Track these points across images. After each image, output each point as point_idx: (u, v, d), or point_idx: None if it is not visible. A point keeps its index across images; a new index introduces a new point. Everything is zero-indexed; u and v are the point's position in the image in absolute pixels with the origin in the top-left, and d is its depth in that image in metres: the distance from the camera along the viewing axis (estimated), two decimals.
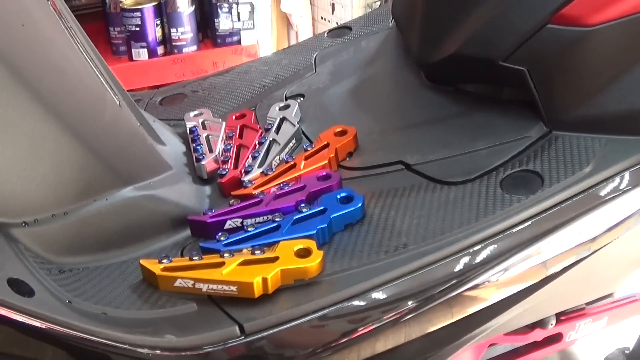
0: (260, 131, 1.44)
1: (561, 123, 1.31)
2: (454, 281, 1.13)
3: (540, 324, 1.48)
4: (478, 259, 1.15)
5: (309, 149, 1.36)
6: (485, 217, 1.18)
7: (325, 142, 1.36)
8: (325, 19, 3.52)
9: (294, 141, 1.41)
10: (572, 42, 1.28)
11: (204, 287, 1.08)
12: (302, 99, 1.56)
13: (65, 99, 1.14)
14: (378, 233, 1.18)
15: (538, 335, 1.51)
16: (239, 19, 3.26)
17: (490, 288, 1.17)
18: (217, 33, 3.30)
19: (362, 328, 1.09)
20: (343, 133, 1.38)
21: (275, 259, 1.09)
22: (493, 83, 1.45)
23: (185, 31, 3.23)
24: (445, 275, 1.13)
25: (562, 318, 1.51)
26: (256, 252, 1.11)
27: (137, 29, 3.18)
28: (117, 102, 1.23)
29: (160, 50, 3.25)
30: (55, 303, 1.04)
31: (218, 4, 3.23)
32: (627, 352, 1.87)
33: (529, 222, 1.18)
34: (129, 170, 1.23)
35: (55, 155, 1.14)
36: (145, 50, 3.22)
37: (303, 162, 1.33)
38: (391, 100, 1.57)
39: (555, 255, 1.20)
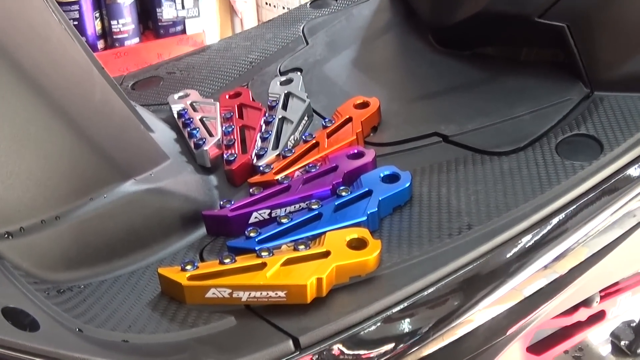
0: (263, 109, 1.25)
1: (603, 83, 1.21)
2: (527, 261, 0.98)
3: (585, 302, 1.36)
4: (550, 235, 1.00)
5: (328, 125, 1.17)
6: (551, 188, 1.03)
7: (348, 116, 1.18)
8: (270, 4, 3.39)
9: (306, 118, 1.23)
10: None
11: (244, 296, 0.88)
12: (299, 73, 1.38)
13: (50, 72, 0.95)
14: (434, 214, 1.01)
15: (582, 315, 1.39)
16: (183, 7, 3.09)
17: (560, 265, 1.03)
18: (159, 23, 3.12)
19: (434, 325, 0.92)
20: (365, 105, 1.21)
21: (327, 253, 0.90)
22: (524, 43, 1.32)
23: (126, 23, 3.05)
24: (518, 255, 0.98)
25: (602, 294, 1.39)
26: (300, 247, 0.92)
27: (75, 22, 2.97)
28: (104, 81, 1.03)
29: (100, 44, 3.06)
30: (64, 334, 0.84)
31: None
32: (632, 325, 1.81)
33: (598, 190, 1.05)
34: (126, 160, 1.04)
35: (43, 144, 0.94)
36: None
37: (326, 140, 1.14)
38: (404, 68, 1.42)
39: (613, 225, 1.08)
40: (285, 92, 1.27)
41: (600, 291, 1.38)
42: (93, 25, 3.01)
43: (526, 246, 0.99)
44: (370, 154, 1.09)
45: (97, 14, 3.02)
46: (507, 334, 1.08)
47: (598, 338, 1.94)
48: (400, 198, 1.02)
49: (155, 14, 3.11)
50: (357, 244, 0.92)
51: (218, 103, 1.29)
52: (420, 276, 0.91)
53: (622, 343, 1.86)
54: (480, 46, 1.35)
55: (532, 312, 1.08)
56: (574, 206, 1.02)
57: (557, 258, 1.02)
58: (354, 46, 1.45)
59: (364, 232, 0.93)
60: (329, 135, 1.16)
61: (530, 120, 1.17)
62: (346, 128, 1.17)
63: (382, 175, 1.04)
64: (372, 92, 1.27)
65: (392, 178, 1.04)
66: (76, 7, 2.97)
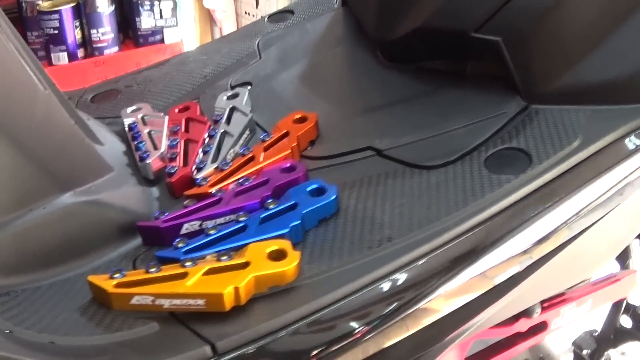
0: (208, 123, 1.29)
1: (539, 96, 1.22)
2: (448, 274, 1.01)
3: (526, 313, 1.38)
4: (472, 247, 1.04)
5: (266, 139, 1.22)
6: (475, 201, 1.06)
7: (285, 131, 1.22)
8: (249, 14, 3.43)
9: (247, 132, 1.27)
10: (550, 7, 1.20)
11: (166, 303, 0.93)
12: (249, 87, 1.42)
13: None
14: (357, 227, 1.05)
15: (523, 325, 1.41)
16: (161, 17, 3.13)
17: (485, 277, 1.06)
18: (139, 32, 3.19)
19: (349, 335, 0.95)
20: (303, 120, 1.25)
21: (246, 264, 0.95)
22: (462, 58, 1.34)
23: (105, 32, 3.13)
24: (438, 267, 1.01)
25: (545, 305, 1.41)
26: (223, 258, 0.96)
27: (56, 32, 3.06)
28: (49, 97, 1.08)
29: (80, 52, 3.14)
30: None
31: (139, 2, 3.12)
32: (595, 334, 1.85)
33: (523, 203, 1.08)
34: (67, 173, 1.08)
35: None
36: (65, 53, 3.10)
37: (262, 154, 1.18)
38: (349, 82, 1.45)
39: (549, 235, 1.11)
40: (230, 106, 1.31)
41: (543, 301, 1.41)
42: (73, 34, 3.08)
43: (448, 258, 1.02)
44: (301, 168, 1.13)
45: (77, 23, 3.10)
46: (440, 343, 1.12)
47: (560, 347, 1.97)
48: (326, 211, 1.06)
49: (134, 23, 3.15)
50: (277, 255, 0.96)
51: (167, 117, 1.33)
52: (338, 286, 0.95)
53: (584, 352, 1.89)
54: (423, 60, 1.37)
55: (464, 322, 1.11)
56: (496, 218, 1.05)
57: (479, 272, 1.04)
58: (304, 60, 1.48)
59: (284, 244, 0.97)
60: (265, 149, 1.19)
61: (464, 134, 1.19)
62: (283, 142, 1.20)
63: (309, 189, 1.08)
64: (316, 106, 1.31)
65: (319, 191, 1.08)
66: (57, 16, 3.03)
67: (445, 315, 1.05)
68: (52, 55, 3.07)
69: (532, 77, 1.23)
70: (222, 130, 1.26)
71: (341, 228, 1.05)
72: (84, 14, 3.08)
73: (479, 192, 1.08)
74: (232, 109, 1.31)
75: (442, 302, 1.03)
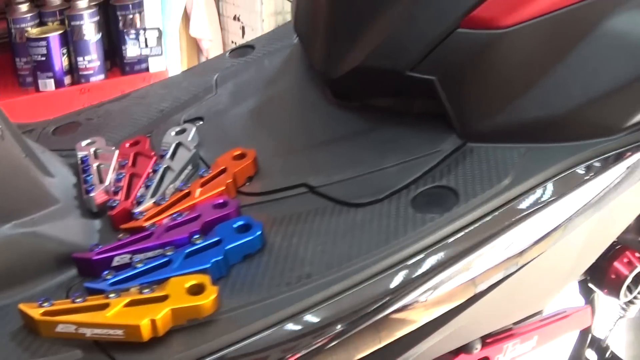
0: (154, 158, 1.34)
1: (476, 134, 1.25)
2: (363, 312, 1.05)
3: (465, 349, 1.39)
4: (389, 286, 1.07)
5: (205, 175, 1.26)
6: (396, 240, 1.10)
7: (223, 167, 1.27)
8: (235, 43, 3.47)
9: (190, 167, 1.32)
10: (484, 46, 1.22)
11: (88, 332, 0.98)
12: (201, 122, 1.47)
13: None
14: (279, 263, 1.09)
15: None
16: (146, 45, 3.18)
17: (403, 316, 1.10)
18: (124, 61, 3.24)
19: None
20: (242, 156, 1.29)
21: (165, 297, 1.00)
22: (402, 96, 1.37)
23: (92, 59, 3.18)
24: (353, 305, 1.05)
25: (488, 341, 1.43)
26: (144, 290, 1.01)
27: (43, 58, 3.11)
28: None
29: (67, 80, 3.19)
30: None
31: (125, 30, 3.16)
32: None
33: (446, 242, 1.11)
34: (9, 204, 1.13)
35: None
36: (52, 80, 3.15)
37: (198, 190, 1.23)
38: (295, 119, 1.49)
39: (476, 274, 1.14)
40: (177, 142, 1.36)
41: (485, 337, 1.43)
42: (60, 61, 3.14)
43: (362, 298, 1.05)
44: (232, 204, 1.18)
45: (65, 50, 3.14)
46: None
47: None
48: (251, 247, 1.10)
49: (121, 51, 3.20)
50: (196, 290, 1.01)
51: (117, 151, 1.38)
52: (252, 321, 1.00)
53: None
54: (367, 98, 1.40)
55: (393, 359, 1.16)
56: (417, 257, 1.09)
57: (396, 311, 1.08)
58: (255, 96, 1.52)
59: (203, 279, 1.02)
60: (202, 185, 1.24)
61: (397, 171, 1.22)
62: (220, 178, 1.25)
63: (235, 225, 1.13)
64: (260, 142, 1.35)
65: (245, 228, 1.12)
66: (44, 43, 3.09)
67: (371, 353, 1.09)
68: (39, 81, 3.13)
69: (467, 115, 1.25)
70: (165, 166, 1.30)
71: (264, 264, 1.09)
72: (71, 41, 3.14)
73: (402, 231, 1.11)
74: (178, 145, 1.36)
75: (364, 339, 1.07)
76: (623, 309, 1.64)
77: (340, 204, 1.19)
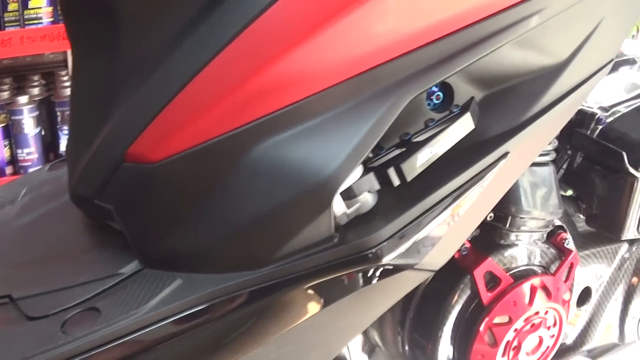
0: None
1: (149, 260, 1.30)
2: None
3: None
4: None
5: None
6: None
7: None
8: None
9: None
10: (142, 179, 1.26)
11: None
12: None
13: None
14: None
15: None
16: None
17: None
18: (60, 153, 3.42)
19: None
20: None
21: None
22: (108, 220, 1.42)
23: (30, 152, 3.36)
24: None
25: None
26: None
27: None
28: None
29: (8, 170, 3.36)
30: None
31: (58, 126, 3.37)
32: None
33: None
34: None
35: None
36: None
37: None
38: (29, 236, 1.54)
39: None
40: None
41: None
42: (2, 152, 3.32)
43: None
44: None
45: (7, 142, 3.34)
46: None
47: None
48: None
49: (58, 144, 3.42)
50: None
51: None
52: None
53: None
54: (104, 219, 1.42)
55: None
56: None
57: None
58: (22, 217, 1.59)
59: None
60: None
61: (81, 289, 1.27)
62: None
63: None
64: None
65: None
66: None
67: None
68: None
69: (143, 242, 1.30)
70: None
71: None
72: (12, 134, 3.35)
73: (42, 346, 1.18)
74: None
75: None
76: None
77: (29, 319, 1.25)
